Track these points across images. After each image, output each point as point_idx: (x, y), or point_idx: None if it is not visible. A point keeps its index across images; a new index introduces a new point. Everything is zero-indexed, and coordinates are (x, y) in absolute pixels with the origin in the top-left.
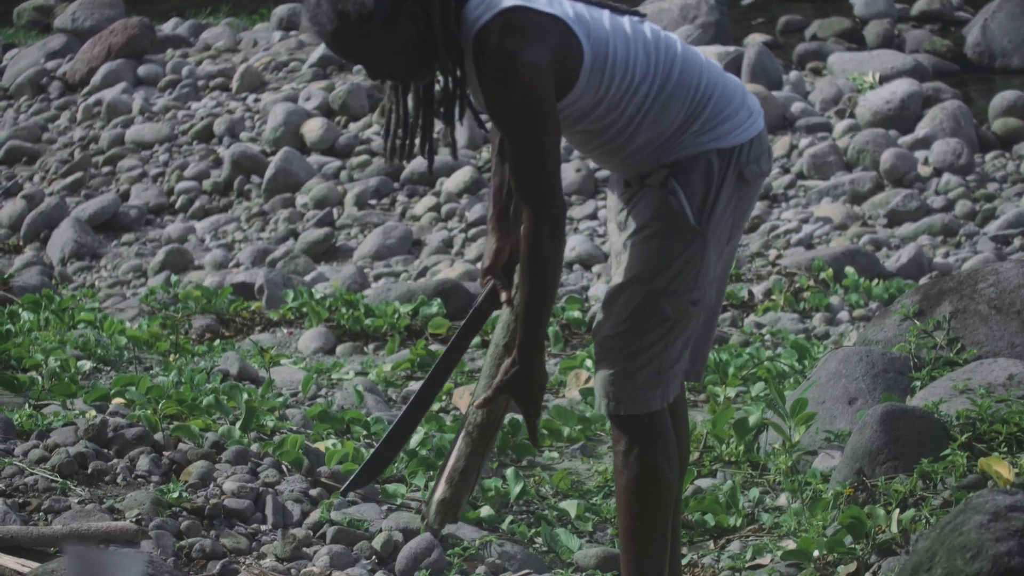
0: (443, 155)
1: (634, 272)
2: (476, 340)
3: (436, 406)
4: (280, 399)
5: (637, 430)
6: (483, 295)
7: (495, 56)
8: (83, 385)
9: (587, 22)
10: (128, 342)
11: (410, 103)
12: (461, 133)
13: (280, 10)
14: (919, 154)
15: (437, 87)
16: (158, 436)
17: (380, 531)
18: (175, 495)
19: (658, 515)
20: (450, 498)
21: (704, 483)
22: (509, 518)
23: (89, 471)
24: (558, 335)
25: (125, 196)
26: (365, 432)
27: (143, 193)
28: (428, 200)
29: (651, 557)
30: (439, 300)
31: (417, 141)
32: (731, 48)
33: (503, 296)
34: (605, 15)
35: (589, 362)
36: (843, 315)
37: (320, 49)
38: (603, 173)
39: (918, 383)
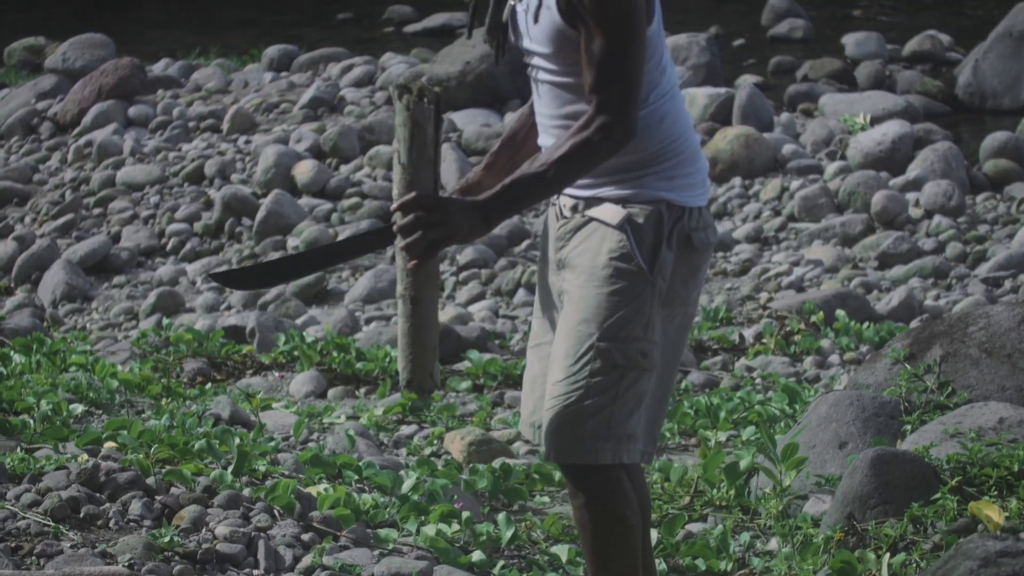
0: None
1: (583, 316)
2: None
3: (428, 450)
4: (272, 443)
5: (592, 483)
6: None
7: None
8: (75, 429)
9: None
10: (120, 385)
11: None
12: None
13: (271, 51)
14: (910, 196)
15: None
16: (150, 480)
17: None
18: (167, 539)
19: (624, 564)
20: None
21: (695, 527)
22: (500, 563)
23: (81, 515)
24: None
25: (116, 238)
26: (357, 476)
27: (134, 235)
28: None
29: None
30: None
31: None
32: (722, 90)
33: None
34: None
35: None
36: (834, 358)
37: (311, 91)
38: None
39: (908, 427)
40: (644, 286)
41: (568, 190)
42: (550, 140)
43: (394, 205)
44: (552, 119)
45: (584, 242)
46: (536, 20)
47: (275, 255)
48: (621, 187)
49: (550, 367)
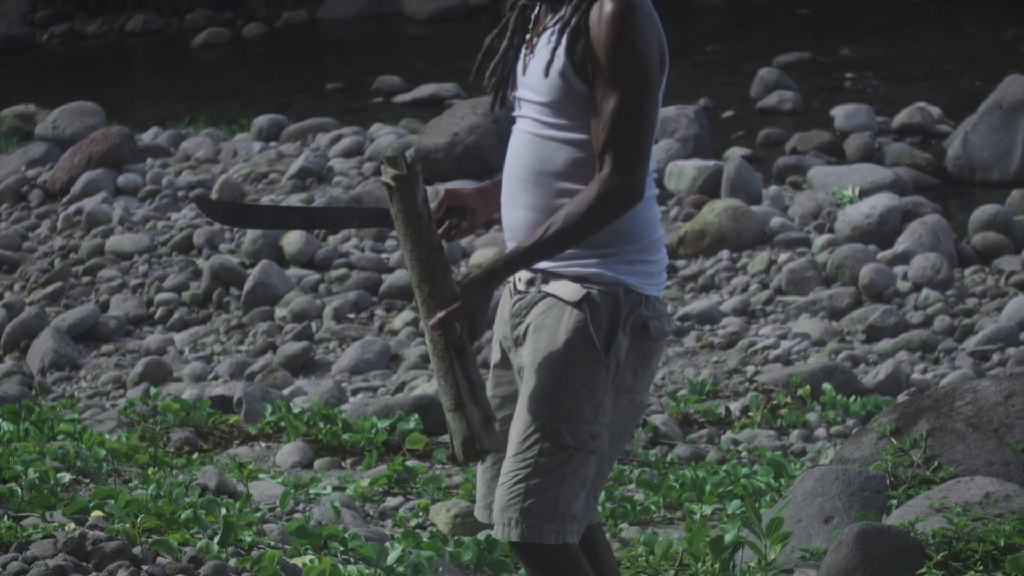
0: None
1: (536, 394)
2: None
3: (413, 522)
4: (258, 514)
5: (541, 561)
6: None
7: (626, 6)
8: (63, 497)
9: None
10: (107, 454)
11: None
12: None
13: (260, 120)
14: (898, 269)
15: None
16: (137, 550)
17: None
18: None
19: None
20: (484, 417)
21: None
22: None
23: None
24: None
25: (105, 306)
26: (342, 548)
27: (123, 304)
28: (406, 315)
29: None
30: (416, 416)
31: (492, 65)
32: (711, 162)
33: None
34: None
35: None
36: (820, 431)
37: (299, 161)
38: None
39: (894, 502)
40: (598, 368)
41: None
42: (518, 197)
43: (432, 322)
44: (524, 173)
45: (541, 318)
46: (547, 73)
47: (263, 325)
48: (582, 265)
49: (508, 444)
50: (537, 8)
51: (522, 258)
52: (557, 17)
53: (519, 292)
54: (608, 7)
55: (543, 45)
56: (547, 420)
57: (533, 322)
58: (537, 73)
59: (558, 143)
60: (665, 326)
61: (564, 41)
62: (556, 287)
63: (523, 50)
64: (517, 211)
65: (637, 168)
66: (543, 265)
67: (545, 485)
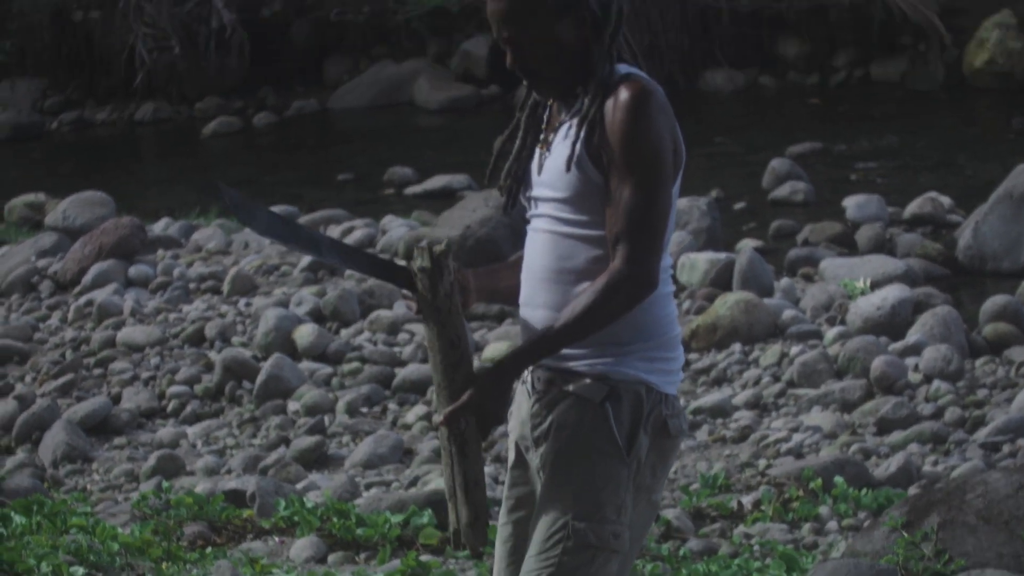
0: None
1: (558, 494)
2: None
3: None
4: None
5: None
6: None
7: (641, 95)
8: None
9: None
10: (120, 548)
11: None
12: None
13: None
14: (909, 360)
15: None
16: None
17: None
18: None
19: None
20: (472, 516)
21: None
22: None
23: None
24: None
25: (117, 399)
26: None
27: (135, 396)
28: (419, 408)
29: None
30: (430, 510)
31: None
32: (723, 254)
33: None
34: None
35: None
36: (832, 525)
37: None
38: None
39: None
40: (620, 467)
41: (544, 362)
42: (537, 296)
43: (437, 417)
44: (544, 272)
45: (563, 416)
46: (568, 167)
47: (276, 419)
48: (603, 364)
49: (531, 543)
50: (549, 107)
51: (534, 352)
52: (573, 110)
53: (538, 392)
54: (623, 96)
55: (560, 140)
56: (570, 519)
57: (556, 421)
58: (556, 169)
59: (577, 240)
60: (683, 424)
61: (582, 133)
62: (578, 387)
63: (537, 149)
64: (537, 311)
65: (650, 259)
66: (562, 364)
67: None
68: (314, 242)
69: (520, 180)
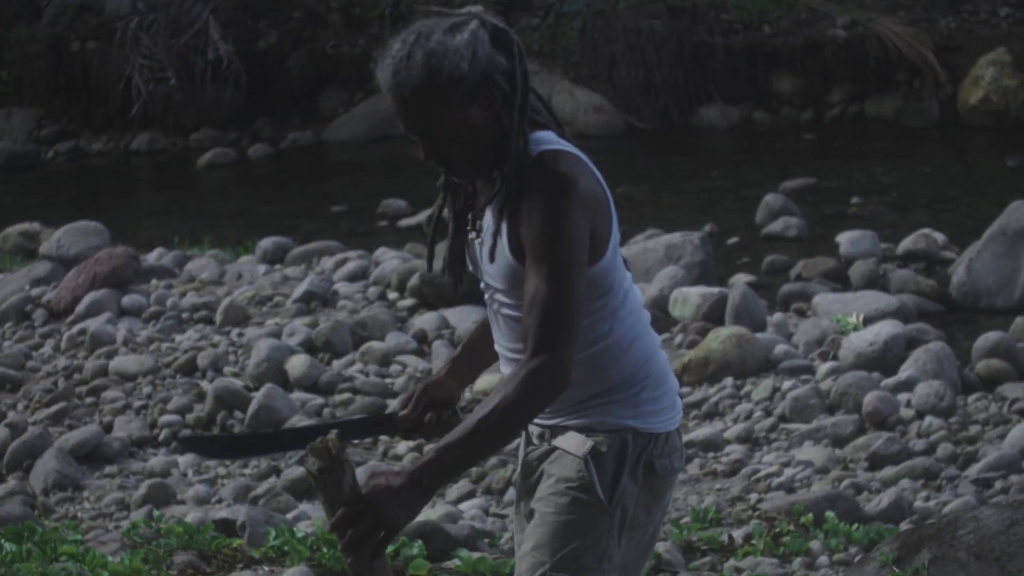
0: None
1: (537, 543)
2: None
3: None
4: None
5: None
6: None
7: (556, 176)
8: None
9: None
10: None
11: (449, 214)
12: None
13: (265, 243)
14: (902, 396)
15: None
16: None
17: None
18: None
19: None
20: None
21: None
22: None
23: None
24: None
25: (108, 427)
26: None
27: (126, 425)
28: (410, 443)
29: None
30: (420, 542)
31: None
32: (715, 289)
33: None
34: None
35: None
36: (823, 559)
37: (304, 284)
38: None
39: None
40: (602, 517)
41: (537, 419)
42: (508, 367)
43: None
44: (510, 352)
45: (549, 467)
46: (492, 258)
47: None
48: (586, 416)
49: None
50: (474, 184)
51: (450, 462)
52: (492, 195)
53: (532, 444)
54: (535, 185)
55: (486, 229)
56: (547, 570)
57: (544, 471)
58: (485, 258)
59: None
60: (675, 462)
61: (504, 226)
62: (562, 440)
63: (472, 234)
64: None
65: (561, 350)
66: (549, 421)
67: None
68: (274, 443)
69: (460, 264)
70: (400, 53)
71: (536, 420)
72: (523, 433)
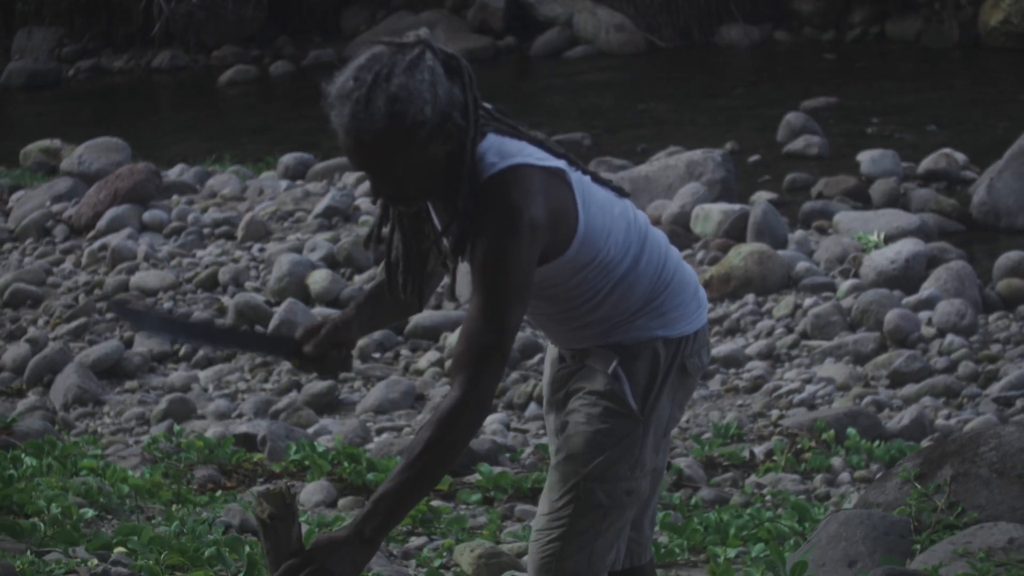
0: (445, 309)
1: (570, 455)
2: None
3: (437, 562)
4: None
5: None
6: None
7: (501, 210)
8: (85, 533)
9: (586, 191)
10: (131, 491)
11: (397, 236)
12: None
13: (286, 159)
14: (923, 314)
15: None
16: None
17: None
18: None
19: None
20: None
21: None
22: None
23: None
24: None
25: (129, 343)
26: None
27: (147, 340)
28: (431, 355)
29: None
30: None
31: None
32: (737, 206)
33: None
34: (595, 186)
35: None
36: (844, 476)
37: (326, 200)
38: None
39: (918, 546)
40: (634, 426)
41: (564, 347)
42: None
43: None
44: (533, 312)
45: (579, 382)
46: (452, 297)
47: (288, 364)
48: (614, 336)
49: (541, 496)
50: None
51: (385, 511)
52: (446, 227)
53: (562, 362)
54: (486, 219)
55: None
56: (581, 480)
57: (571, 387)
58: (460, 287)
59: (548, 299)
60: (703, 359)
61: (460, 263)
62: (593, 358)
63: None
64: (562, 339)
65: (480, 383)
66: (579, 346)
67: (580, 544)
68: (206, 333)
69: (420, 285)
70: (358, 95)
71: (566, 347)
72: (553, 351)
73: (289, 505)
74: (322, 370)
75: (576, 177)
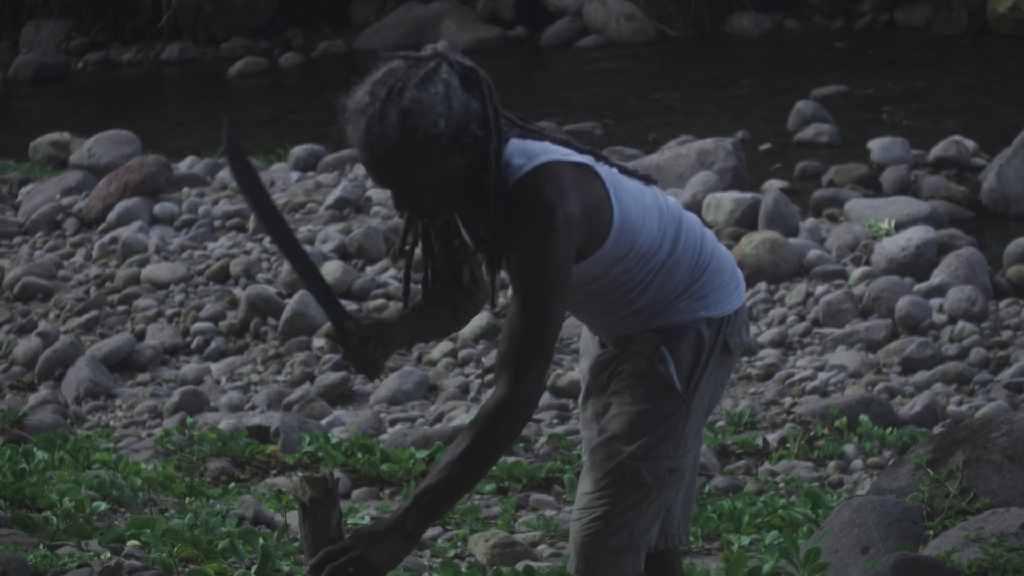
0: None
1: (614, 435)
2: None
3: (451, 552)
4: (296, 544)
5: None
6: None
7: (535, 209)
8: (98, 526)
9: (616, 183)
10: (143, 483)
11: (434, 245)
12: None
13: (297, 150)
14: (934, 301)
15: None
16: None
17: None
18: None
19: None
20: None
21: None
22: None
23: None
24: None
25: (140, 336)
26: None
27: (159, 333)
28: (444, 345)
29: None
30: None
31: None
32: (748, 195)
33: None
34: (623, 177)
35: None
36: (857, 463)
37: (337, 191)
38: None
39: (931, 532)
40: (678, 405)
41: (607, 335)
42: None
43: (306, 569)
44: (576, 306)
45: (622, 365)
46: (493, 304)
47: (301, 355)
48: (658, 320)
49: (582, 476)
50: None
51: (426, 506)
52: (480, 243)
53: (605, 348)
54: (520, 219)
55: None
56: (625, 459)
57: (616, 370)
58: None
59: (590, 293)
60: (744, 337)
61: (497, 272)
62: (637, 342)
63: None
64: (607, 330)
65: (523, 383)
66: (624, 333)
67: (623, 522)
68: (285, 239)
69: (451, 297)
70: (372, 110)
71: (609, 336)
72: (591, 338)
73: (331, 491)
74: (355, 359)
75: (604, 170)
